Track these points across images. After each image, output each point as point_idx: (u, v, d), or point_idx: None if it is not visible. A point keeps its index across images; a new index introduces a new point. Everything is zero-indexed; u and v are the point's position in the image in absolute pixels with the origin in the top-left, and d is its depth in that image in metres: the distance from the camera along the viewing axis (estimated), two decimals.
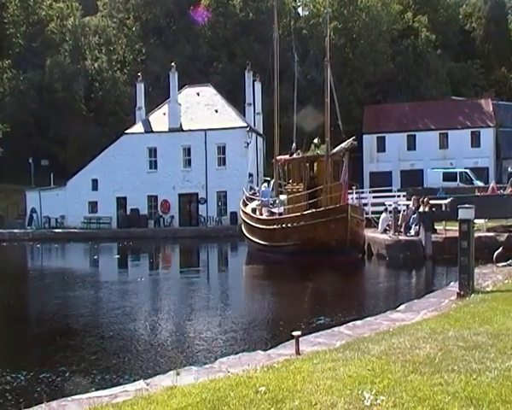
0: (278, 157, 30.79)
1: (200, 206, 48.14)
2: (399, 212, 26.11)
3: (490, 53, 72.04)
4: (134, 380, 7.56)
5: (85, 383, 9.07)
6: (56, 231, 47.57)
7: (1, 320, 16.25)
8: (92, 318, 15.87)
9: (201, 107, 50.08)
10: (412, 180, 48.74)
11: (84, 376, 9.69)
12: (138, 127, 50.33)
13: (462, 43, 72.41)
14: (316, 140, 32.04)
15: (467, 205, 12.26)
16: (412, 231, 24.43)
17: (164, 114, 49.56)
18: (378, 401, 4.97)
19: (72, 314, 16.65)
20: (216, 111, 49.34)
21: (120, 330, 13.58)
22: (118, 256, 35.33)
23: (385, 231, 26.01)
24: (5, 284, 22.78)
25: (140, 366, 10.28)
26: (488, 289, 12.23)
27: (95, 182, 49.73)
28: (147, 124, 50.18)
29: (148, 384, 6.65)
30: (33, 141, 57.19)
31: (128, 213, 48.86)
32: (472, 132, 55.10)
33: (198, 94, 51.28)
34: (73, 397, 6.62)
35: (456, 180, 46.03)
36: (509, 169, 38.95)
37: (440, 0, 74.01)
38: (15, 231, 47.26)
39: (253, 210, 30.26)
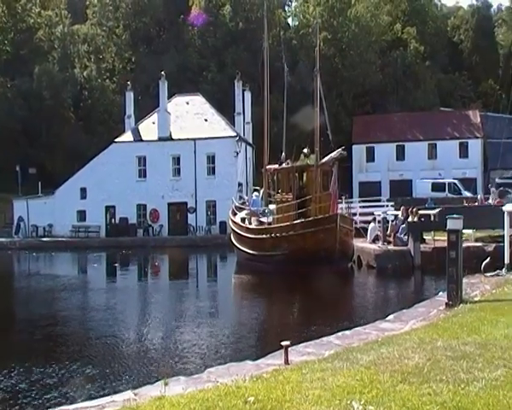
0: (268, 167, 30.82)
1: (189, 215, 48.04)
2: (388, 222, 26.19)
3: (477, 65, 72.80)
4: (122, 390, 7.50)
5: (72, 393, 8.99)
6: (44, 239, 47.23)
7: None
8: (79, 327, 15.78)
9: (191, 116, 50.07)
10: (401, 190, 48.91)
11: (71, 386, 9.60)
12: (127, 136, 50.20)
13: (450, 55, 73.10)
14: (305, 150, 32.11)
15: (455, 215, 12.32)
16: (404, 238, 24.42)
17: (153, 122, 49.48)
18: None
19: (58, 323, 16.53)
20: (205, 120, 49.35)
21: (108, 340, 13.49)
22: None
23: (374, 240, 26.06)
24: None
25: (128, 375, 10.20)
26: (476, 299, 12.28)
27: (83, 190, 49.45)
28: (136, 133, 50.06)
29: (136, 395, 6.60)
30: (21, 149, 56.76)
31: (117, 221, 48.66)
32: (460, 143, 55.59)
33: (187, 103, 51.29)
34: (61, 408, 6.57)
35: (444, 191, 46.26)
36: (497, 180, 39.26)
37: (429, 12, 74.77)
38: (2, 239, 46.79)
39: (243, 220, 30.24)
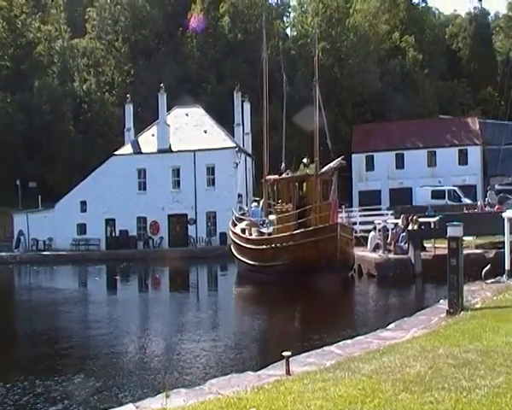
0: (267, 177, 30.85)
1: (189, 227, 48.03)
2: (388, 230, 26.18)
3: (476, 72, 73.04)
4: (123, 403, 7.47)
5: (75, 407, 8.95)
6: (44, 253, 47.19)
7: None
8: (81, 340, 15.73)
9: (190, 128, 50.18)
10: (401, 198, 48.93)
11: (74, 400, 9.57)
12: (127, 149, 50.29)
13: (448, 63, 73.39)
14: (305, 160, 32.20)
15: (455, 222, 12.31)
16: (405, 246, 24.38)
17: (153, 135, 49.58)
18: None
19: (60, 336, 16.51)
20: (205, 132, 49.45)
21: (109, 353, 13.47)
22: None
23: (374, 249, 26.04)
24: None
25: (129, 388, 10.17)
26: (477, 306, 12.25)
27: (83, 204, 49.48)
28: (136, 145, 50.15)
29: (137, 408, 6.58)
30: (21, 163, 56.86)
31: (117, 234, 48.65)
32: (459, 151, 55.64)
33: (187, 115, 51.42)
34: None
35: (444, 198, 46.29)
36: (496, 186, 39.24)
37: (427, 20, 75.20)
38: (2, 254, 46.74)
39: (243, 230, 30.22)
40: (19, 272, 41.90)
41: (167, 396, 6.63)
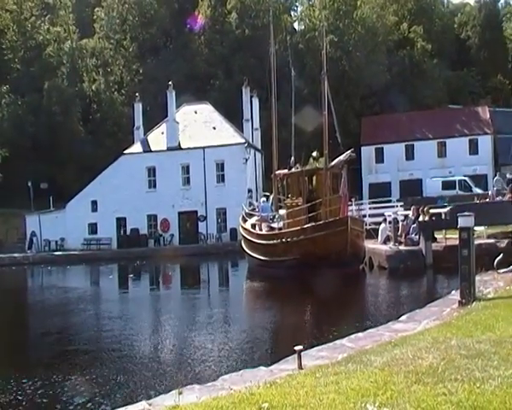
0: (277, 172, 30.79)
1: (199, 223, 48.10)
2: (398, 222, 26.07)
3: (486, 60, 72.41)
4: (136, 401, 7.50)
5: (87, 404, 9.00)
6: (57, 253, 47.48)
7: (3, 344, 16.19)
8: (94, 337, 15.83)
9: (199, 124, 50.22)
10: (411, 190, 48.75)
11: (85, 397, 9.63)
12: (137, 147, 50.44)
13: (457, 52, 72.88)
14: (314, 153, 32.10)
15: (466, 213, 12.23)
16: (416, 238, 24.27)
17: (162, 132, 49.71)
18: None
19: (74, 334, 16.65)
20: (214, 128, 49.47)
21: (121, 350, 13.53)
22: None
23: (385, 241, 25.94)
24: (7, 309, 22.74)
25: (141, 385, 10.21)
26: (490, 297, 12.16)
27: (94, 203, 49.74)
28: (145, 143, 50.30)
29: (150, 405, 6.60)
30: (32, 164, 57.19)
31: (128, 233, 48.82)
32: (470, 140, 55.22)
33: (196, 112, 51.46)
34: None
35: (455, 188, 46.05)
36: (508, 175, 38.92)
37: (435, 10, 74.60)
38: (15, 255, 47.09)
39: (253, 226, 30.21)
40: (32, 272, 42.21)
41: (180, 393, 6.64)
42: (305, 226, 25.30)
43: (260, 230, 29.17)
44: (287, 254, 25.18)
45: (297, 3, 75.98)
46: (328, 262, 22.34)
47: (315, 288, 20.64)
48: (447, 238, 23.40)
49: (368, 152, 56.73)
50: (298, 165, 29.26)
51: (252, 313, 18.96)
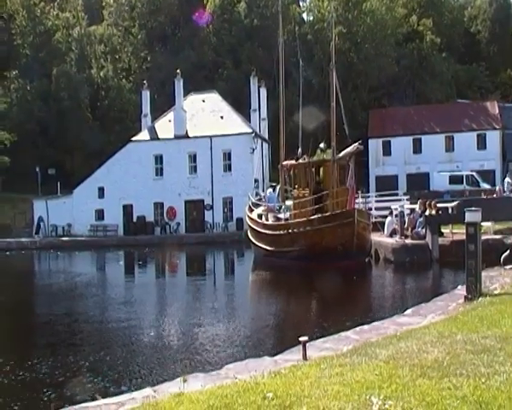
0: (284, 162, 30.72)
1: (206, 212, 48.17)
2: (405, 215, 26.01)
3: (495, 55, 71.91)
4: (141, 387, 7.54)
5: (92, 390, 9.07)
6: (64, 239, 47.68)
7: (10, 328, 16.30)
8: (98, 324, 15.91)
9: (207, 113, 50.17)
10: (418, 184, 48.62)
11: (91, 383, 9.71)
12: (144, 135, 50.46)
13: (467, 46, 72.29)
14: (322, 145, 31.98)
15: (473, 208, 12.19)
16: (422, 232, 24.22)
17: (169, 121, 49.68)
18: (386, 406, 4.94)
19: (80, 319, 16.76)
20: (221, 117, 49.42)
21: (126, 337, 13.60)
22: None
23: (391, 234, 25.91)
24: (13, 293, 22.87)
25: (147, 373, 10.28)
26: (496, 292, 12.13)
27: (101, 190, 49.86)
28: (152, 131, 50.31)
29: (155, 392, 6.64)
30: (40, 150, 57.48)
31: (134, 220, 48.96)
32: (478, 135, 54.93)
33: (203, 101, 51.39)
34: (81, 405, 6.62)
35: (462, 183, 45.88)
36: None
37: (445, 3, 73.98)
38: (23, 239, 47.38)
39: (259, 216, 30.21)
40: (39, 257, 42.43)
41: (185, 380, 6.68)
42: (312, 218, 25.29)
43: (267, 220, 29.17)
44: (293, 245, 25.20)
45: None
46: (334, 254, 22.36)
47: (320, 279, 20.67)
48: (454, 233, 23.36)
49: (375, 145, 56.54)
50: (305, 156, 29.17)
51: (257, 303, 19.00)
